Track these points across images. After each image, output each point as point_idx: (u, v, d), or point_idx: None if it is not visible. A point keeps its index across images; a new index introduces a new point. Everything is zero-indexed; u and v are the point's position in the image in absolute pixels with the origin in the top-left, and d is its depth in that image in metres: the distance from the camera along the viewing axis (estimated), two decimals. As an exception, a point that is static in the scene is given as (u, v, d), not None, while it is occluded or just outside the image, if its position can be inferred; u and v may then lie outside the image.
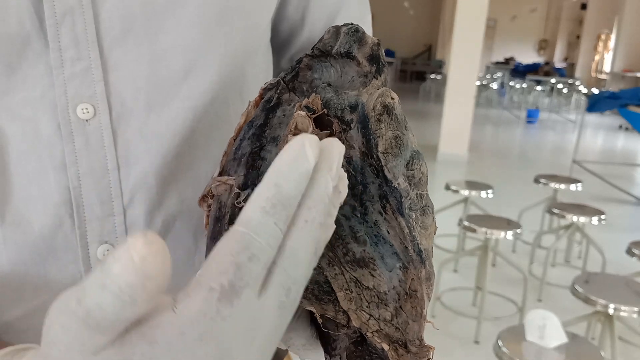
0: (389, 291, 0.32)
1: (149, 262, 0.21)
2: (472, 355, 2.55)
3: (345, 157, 0.33)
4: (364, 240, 0.33)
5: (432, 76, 13.58)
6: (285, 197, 0.24)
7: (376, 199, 0.32)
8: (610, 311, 1.94)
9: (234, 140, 0.38)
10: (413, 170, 0.32)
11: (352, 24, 0.37)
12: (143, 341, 0.22)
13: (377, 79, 0.36)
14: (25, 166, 0.41)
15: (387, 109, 0.32)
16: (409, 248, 0.31)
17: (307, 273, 0.25)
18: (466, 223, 2.77)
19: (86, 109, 0.41)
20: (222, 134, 0.48)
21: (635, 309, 1.92)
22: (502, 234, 2.68)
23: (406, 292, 0.32)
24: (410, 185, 0.31)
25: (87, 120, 0.42)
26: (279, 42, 0.59)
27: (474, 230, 2.72)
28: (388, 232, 0.32)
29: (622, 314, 1.94)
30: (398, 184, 0.31)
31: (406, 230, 0.31)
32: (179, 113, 0.45)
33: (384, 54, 0.37)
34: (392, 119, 0.32)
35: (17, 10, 0.38)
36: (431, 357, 0.32)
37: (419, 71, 17.46)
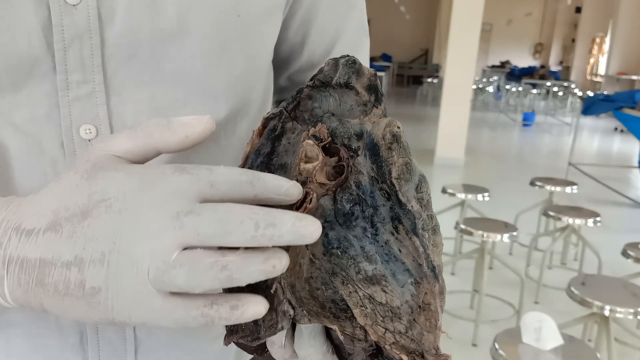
0: (401, 305, 0.34)
1: (200, 122, 0.35)
2: (470, 358, 2.56)
3: (354, 182, 0.36)
4: (375, 259, 0.35)
5: (429, 80, 13.61)
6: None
7: (387, 220, 0.35)
8: (606, 313, 1.95)
9: (242, 167, 0.40)
10: (422, 192, 0.35)
11: (349, 56, 0.40)
12: (126, 162, 0.35)
13: (377, 107, 0.38)
14: (29, 181, 0.43)
15: (396, 138, 0.35)
16: (423, 265, 0.33)
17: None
18: (463, 226, 2.78)
19: (89, 129, 0.43)
20: (222, 159, 0.50)
21: (631, 310, 1.93)
22: (499, 236, 2.69)
23: (419, 306, 0.34)
24: (421, 207, 0.34)
25: (89, 140, 0.43)
26: (279, 61, 0.60)
27: (470, 234, 2.73)
28: (400, 251, 0.35)
29: (618, 315, 1.95)
30: (412, 206, 0.34)
31: (420, 249, 0.33)
32: None
33: (380, 84, 0.39)
34: (400, 147, 0.35)
35: (27, 32, 0.39)
36: None
37: (416, 75, 17.49)
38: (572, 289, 2.05)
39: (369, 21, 0.65)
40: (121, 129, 0.43)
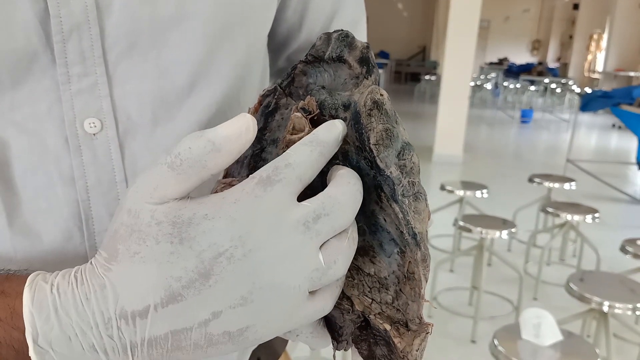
0: (389, 276, 0.35)
1: (248, 128, 0.31)
2: (469, 355, 2.56)
3: (341, 152, 0.36)
4: (363, 230, 0.36)
5: (427, 77, 13.61)
6: (321, 141, 0.33)
7: (372, 190, 0.35)
8: (605, 309, 1.96)
9: None
10: (404, 159, 0.34)
11: (342, 30, 0.39)
12: (196, 201, 0.31)
13: (367, 79, 0.37)
14: (32, 180, 0.42)
15: (377, 104, 0.34)
16: (404, 232, 0.33)
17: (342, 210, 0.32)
18: (462, 223, 2.78)
19: (93, 123, 0.42)
20: None
21: (630, 306, 1.94)
22: (498, 233, 2.69)
23: (405, 275, 0.34)
24: (402, 173, 0.33)
25: (94, 134, 0.42)
26: (277, 43, 0.60)
27: (469, 230, 2.73)
28: (385, 220, 0.35)
29: (616, 311, 1.95)
30: (390, 172, 0.33)
31: (400, 215, 0.33)
32: (184, 126, 0.45)
33: (373, 56, 0.39)
34: (382, 113, 0.34)
35: (23, 26, 0.38)
36: (430, 332, 0.34)
37: (414, 72, 17.50)
38: (571, 285, 2.06)
39: (366, 19, 0.65)
40: (125, 129, 0.43)
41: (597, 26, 15.71)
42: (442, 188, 3.42)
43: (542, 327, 1.61)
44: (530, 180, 3.80)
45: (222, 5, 0.44)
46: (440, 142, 6.49)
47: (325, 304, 0.33)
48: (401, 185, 0.33)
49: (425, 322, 0.34)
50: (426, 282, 0.34)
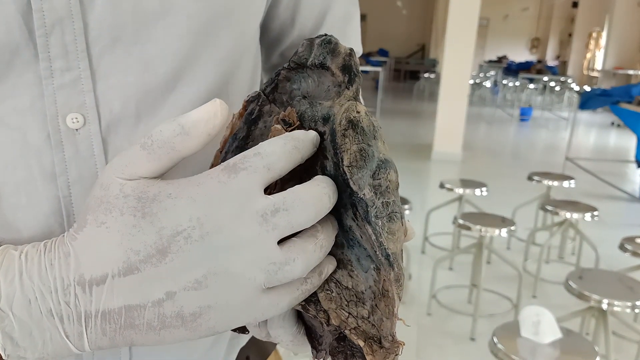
0: (365, 290, 0.35)
1: (216, 113, 0.32)
2: (468, 352, 2.57)
3: (320, 167, 0.36)
4: (341, 243, 0.36)
5: (426, 75, 13.61)
6: (296, 137, 0.34)
7: (348, 206, 0.35)
8: (604, 306, 1.96)
9: (220, 152, 0.40)
10: (379, 179, 0.33)
11: (325, 35, 0.38)
12: (164, 181, 0.32)
13: (348, 89, 0.37)
14: (13, 175, 0.41)
15: (352, 124, 0.34)
16: (378, 253, 0.33)
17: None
18: (461, 221, 2.78)
19: (76, 118, 0.41)
20: (214, 139, 0.49)
21: (629, 303, 1.94)
22: (497, 231, 2.69)
23: (380, 292, 0.34)
24: (376, 194, 0.33)
25: (76, 129, 0.41)
26: (270, 39, 0.60)
27: (468, 228, 2.74)
28: (361, 237, 0.35)
29: (615, 309, 1.96)
30: (364, 194, 0.33)
31: (373, 237, 0.33)
32: None
33: (357, 62, 0.38)
34: (357, 133, 0.34)
35: (5, 20, 0.37)
36: (400, 353, 0.34)
37: (413, 70, 17.48)
38: (570, 282, 2.06)
39: (364, 16, 0.65)
40: (108, 123, 0.42)
41: (596, 24, 15.70)
42: (442, 186, 3.42)
43: (542, 324, 1.61)
44: (530, 178, 3.80)
45: (207, 0, 0.44)
46: (439, 140, 6.49)
47: (280, 300, 0.33)
48: (374, 207, 0.33)
49: (397, 341, 0.34)
50: (399, 300, 0.34)
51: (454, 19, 6.15)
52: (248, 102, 0.40)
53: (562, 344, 1.60)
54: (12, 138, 0.40)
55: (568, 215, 3.10)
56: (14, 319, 0.31)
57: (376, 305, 0.35)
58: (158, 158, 0.32)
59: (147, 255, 0.30)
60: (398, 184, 0.34)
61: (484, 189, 3.38)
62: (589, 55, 16.42)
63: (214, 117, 0.33)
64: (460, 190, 3.37)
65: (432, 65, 16.07)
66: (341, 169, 0.33)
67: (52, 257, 0.31)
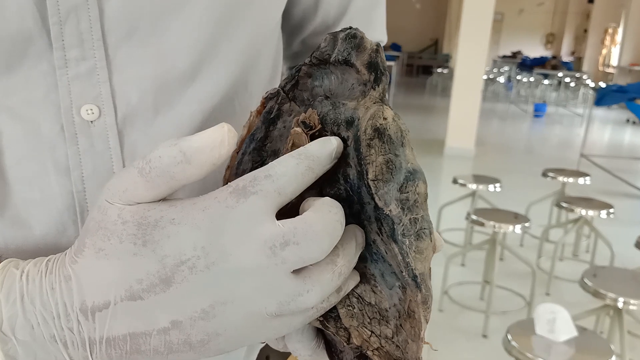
0: (389, 308, 0.32)
1: (223, 141, 0.29)
2: (480, 349, 2.55)
3: (342, 175, 0.33)
4: (364, 256, 0.33)
5: (439, 70, 13.53)
6: (310, 155, 0.31)
7: (373, 220, 0.32)
8: (620, 305, 1.94)
9: (237, 153, 0.38)
10: (407, 192, 0.30)
11: (350, 28, 0.35)
12: (166, 204, 0.30)
13: (374, 89, 0.34)
14: (25, 169, 0.40)
15: (379, 132, 0.31)
16: (404, 273, 0.31)
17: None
18: (474, 217, 2.76)
19: (91, 109, 0.40)
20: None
21: (645, 302, 1.92)
22: (511, 227, 2.67)
23: (406, 312, 0.32)
24: (403, 210, 0.30)
25: (91, 121, 0.40)
26: (291, 26, 0.58)
27: (482, 224, 2.71)
28: (386, 252, 0.32)
29: (631, 307, 1.94)
30: (390, 210, 0.30)
31: (400, 257, 0.30)
32: (186, 115, 0.43)
33: (383, 59, 0.35)
34: (383, 142, 0.31)
35: (17, 7, 0.36)
36: None
37: (426, 65, 17.40)
38: (585, 280, 2.04)
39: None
40: (125, 116, 0.41)
41: (612, 20, 15.52)
42: (455, 181, 3.40)
43: (557, 322, 1.59)
44: (544, 174, 3.76)
45: None
46: (452, 135, 6.45)
47: (292, 320, 0.31)
48: (401, 224, 0.30)
49: None
50: (427, 323, 0.31)
51: (469, 13, 6.10)
52: (267, 100, 0.37)
53: (577, 343, 1.59)
54: (25, 131, 0.39)
55: (583, 212, 3.07)
56: (17, 342, 0.29)
57: (401, 325, 0.32)
58: (156, 186, 0.29)
59: (150, 285, 0.29)
60: (427, 195, 0.31)
61: (497, 184, 3.35)
62: (604, 51, 16.24)
63: (219, 145, 0.29)
64: (473, 186, 3.35)
65: (445, 60, 16.00)
66: (365, 180, 0.31)
67: (54, 280, 0.30)
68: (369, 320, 0.33)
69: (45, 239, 0.41)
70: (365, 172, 0.31)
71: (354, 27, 0.35)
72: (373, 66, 0.34)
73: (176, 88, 0.42)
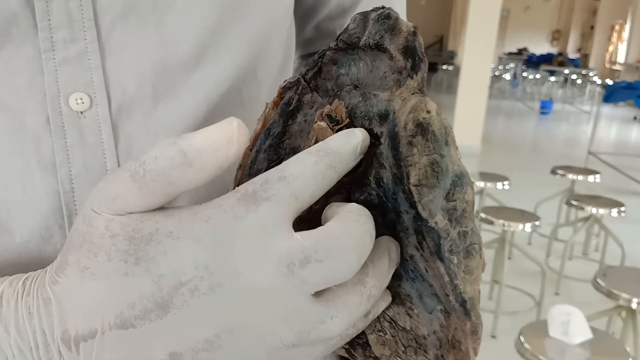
0: (428, 335, 0.28)
1: (231, 140, 0.24)
2: (489, 350, 2.51)
3: (374, 178, 0.28)
4: (398, 273, 0.28)
5: (444, 67, 13.48)
6: (332, 151, 0.26)
7: (411, 232, 0.27)
8: (634, 305, 1.90)
9: (250, 150, 0.33)
10: (455, 201, 0.26)
11: (382, 7, 0.31)
12: (163, 214, 0.25)
13: (412, 78, 0.29)
14: (5, 166, 0.34)
15: (422, 128, 0.26)
16: (450, 297, 0.26)
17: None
18: (483, 215, 2.72)
19: (81, 99, 0.35)
20: (252, 125, 0.43)
21: (659, 303, 1.88)
22: (520, 226, 2.63)
23: (449, 341, 0.27)
24: (450, 221, 0.25)
25: (81, 112, 0.35)
26: (304, 9, 0.54)
27: (491, 222, 2.67)
28: (426, 271, 0.27)
29: (645, 308, 1.90)
30: (435, 222, 0.25)
31: (446, 278, 0.26)
32: (190, 105, 0.38)
33: (421, 44, 0.30)
34: (427, 140, 0.26)
35: None
36: None
37: (431, 62, 17.30)
38: (598, 280, 2.00)
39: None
40: (120, 106, 0.36)
41: (618, 17, 15.43)
42: (462, 179, 3.36)
43: (571, 324, 1.55)
44: (553, 172, 3.72)
45: None
46: (458, 132, 6.39)
47: (313, 350, 0.27)
48: (449, 239, 0.25)
49: None
50: (475, 356, 0.27)
51: (475, 10, 6.07)
52: (285, 89, 0.33)
53: (591, 345, 1.55)
54: (7, 121, 0.34)
55: (594, 210, 3.02)
56: None
57: (442, 356, 0.27)
58: (151, 193, 0.25)
59: (144, 310, 0.24)
60: (474, 203, 0.27)
61: (505, 182, 3.31)
62: (611, 48, 16.16)
63: (227, 144, 0.24)
64: (481, 184, 3.31)
65: (450, 57, 15.93)
66: (405, 186, 0.26)
67: (31, 303, 0.26)
68: (403, 348, 0.28)
69: (28, 246, 0.36)
70: (405, 176, 0.26)
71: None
72: (410, 51, 0.29)
73: (178, 75, 0.37)
